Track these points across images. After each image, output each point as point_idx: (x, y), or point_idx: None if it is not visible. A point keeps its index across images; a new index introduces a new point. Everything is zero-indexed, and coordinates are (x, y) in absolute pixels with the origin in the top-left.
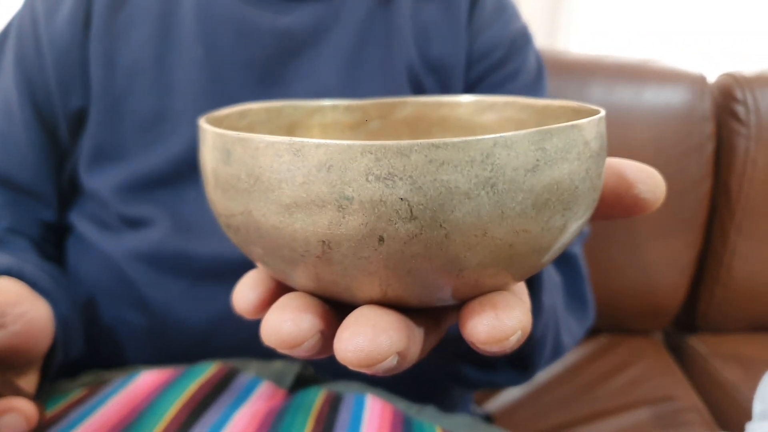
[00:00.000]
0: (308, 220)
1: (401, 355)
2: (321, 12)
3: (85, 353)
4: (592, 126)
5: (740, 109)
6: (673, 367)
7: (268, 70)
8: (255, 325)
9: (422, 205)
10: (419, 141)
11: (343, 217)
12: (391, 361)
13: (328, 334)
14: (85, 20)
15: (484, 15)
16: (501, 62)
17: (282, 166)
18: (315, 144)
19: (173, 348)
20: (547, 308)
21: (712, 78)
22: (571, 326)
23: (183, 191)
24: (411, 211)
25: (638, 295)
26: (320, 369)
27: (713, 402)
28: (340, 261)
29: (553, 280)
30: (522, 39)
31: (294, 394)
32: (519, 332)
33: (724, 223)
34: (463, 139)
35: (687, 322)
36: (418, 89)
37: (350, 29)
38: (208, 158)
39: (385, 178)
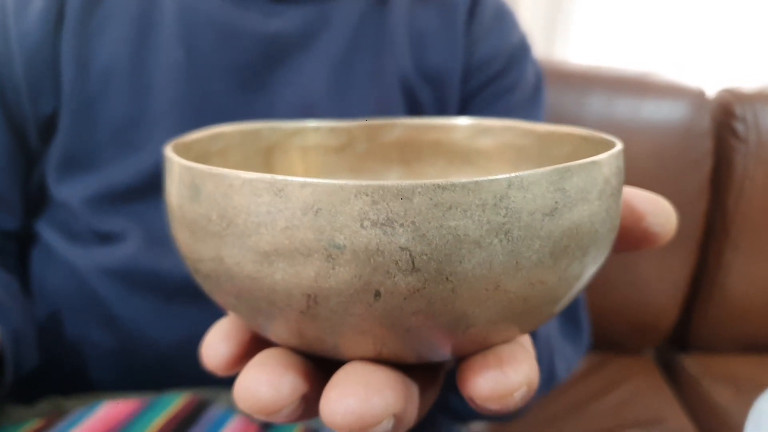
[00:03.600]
0: (291, 271)
1: (397, 417)
2: (311, 16)
3: (45, 373)
4: (612, 161)
5: (739, 126)
6: (664, 388)
7: (252, 76)
8: None
9: (426, 255)
10: (423, 182)
11: (333, 269)
12: (386, 425)
13: (312, 397)
14: (58, 17)
15: (483, 24)
16: (499, 74)
17: (261, 207)
18: (300, 183)
19: (141, 370)
20: (540, 337)
21: (712, 91)
22: (566, 353)
23: (158, 204)
24: (413, 262)
25: (631, 312)
26: None
27: (704, 425)
28: (327, 317)
29: None
30: (521, 50)
31: (268, 430)
32: (525, 387)
33: (720, 241)
34: (474, 179)
35: (680, 340)
36: (412, 100)
37: (341, 35)
38: (174, 193)
39: (383, 224)
